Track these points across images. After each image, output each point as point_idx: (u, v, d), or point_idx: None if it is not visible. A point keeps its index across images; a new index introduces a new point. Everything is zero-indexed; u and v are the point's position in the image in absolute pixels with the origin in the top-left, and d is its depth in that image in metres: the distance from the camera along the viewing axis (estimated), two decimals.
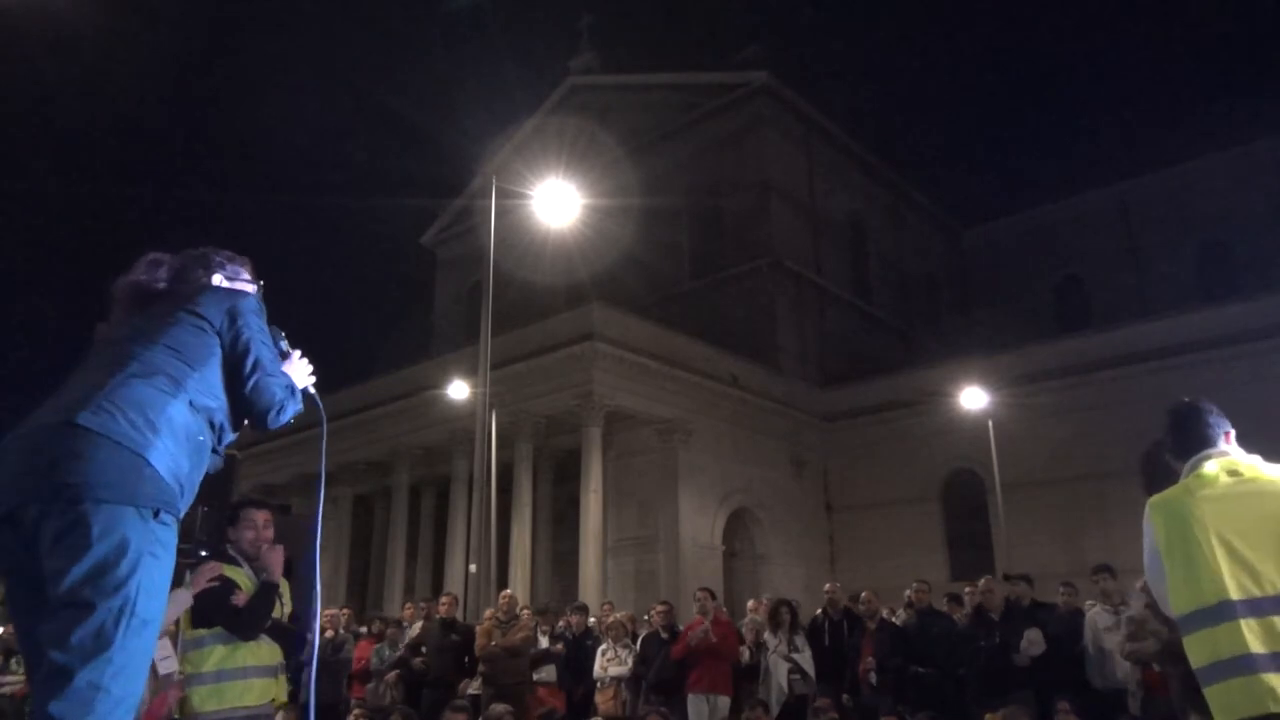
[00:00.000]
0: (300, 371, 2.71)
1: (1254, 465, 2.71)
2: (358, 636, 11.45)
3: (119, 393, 2.14)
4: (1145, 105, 60.40)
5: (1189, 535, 2.55)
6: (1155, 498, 2.74)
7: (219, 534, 4.47)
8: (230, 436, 2.44)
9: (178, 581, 3.86)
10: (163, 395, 2.20)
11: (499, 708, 7.29)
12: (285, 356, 2.71)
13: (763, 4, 50.78)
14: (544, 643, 10.11)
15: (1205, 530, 2.53)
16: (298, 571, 5.19)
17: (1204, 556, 2.50)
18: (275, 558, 4.27)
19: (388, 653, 10.58)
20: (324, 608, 10.66)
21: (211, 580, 4.11)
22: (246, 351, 2.41)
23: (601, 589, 19.49)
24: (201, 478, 2.35)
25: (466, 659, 9.79)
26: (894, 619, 9.77)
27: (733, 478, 23.64)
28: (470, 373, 17.57)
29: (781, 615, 9.23)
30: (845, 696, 8.82)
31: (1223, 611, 2.42)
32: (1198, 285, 31.12)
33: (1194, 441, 2.81)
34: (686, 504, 21.92)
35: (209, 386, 2.33)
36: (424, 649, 9.99)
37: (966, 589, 10.25)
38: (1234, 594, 2.43)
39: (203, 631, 4.08)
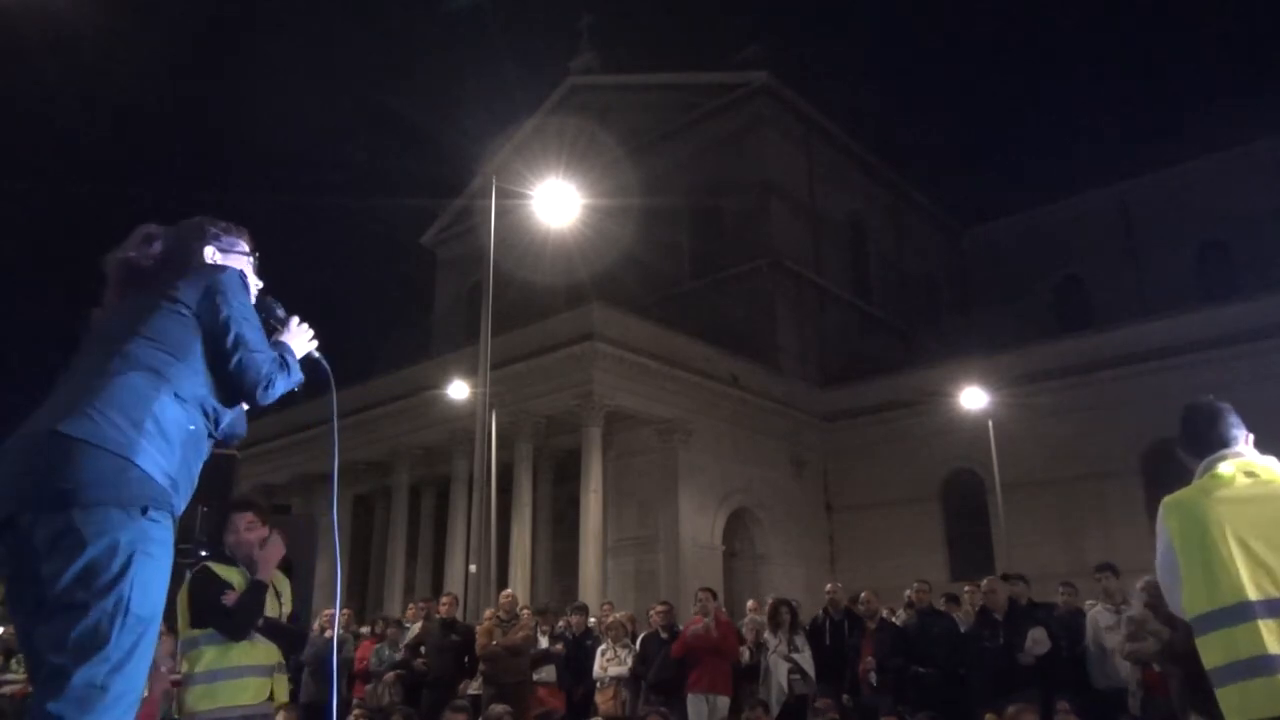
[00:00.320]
0: (300, 338, 2.64)
1: (1270, 467, 2.70)
2: (358, 637, 11.46)
3: (101, 395, 2.13)
4: (1145, 105, 60.38)
5: (1206, 536, 2.54)
6: (1170, 498, 2.72)
7: (219, 534, 4.47)
8: (228, 415, 2.39)
9: (177, 582, 3.85)
10: (146, 391, 2.18)
11: (499, 708, 7.28)
12: (283, 325, 2.64)
13: (763, 4, 50.79)
14: (544, 643, 10.09)
15: (1223, 531, 2.52)
16: (298, 571, 5.18)
17: (1221, 557, 2.49)
18: (266, 556, 4.21)
19: (388, 653, 10.57)
20: (324, 608, 10.66)
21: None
22: (226, 330, 2.34)
23: (601, 589, 19.48)
24: (201, 467, 2.32)
25: (467, 659, 9.78)
26: (894, 619, 9.76)
27: (733, 478, 23.63)
28: (470, 373, 17.57)
29: (781, 615, 9.21)
30: (845, 696, 8.80)
31: (1241, 612, 2.42)
32: (1198, 285, 31.06)
33: (1213, 441, 2.79)
34: (686, 504, 21.92)
35: (195, 373, 2.29)
36: (424, 649, 9.98)
37: (966, 589, 10.27)
38: (1252, 595, 2.43)
39: (196, 632, 4.08)
